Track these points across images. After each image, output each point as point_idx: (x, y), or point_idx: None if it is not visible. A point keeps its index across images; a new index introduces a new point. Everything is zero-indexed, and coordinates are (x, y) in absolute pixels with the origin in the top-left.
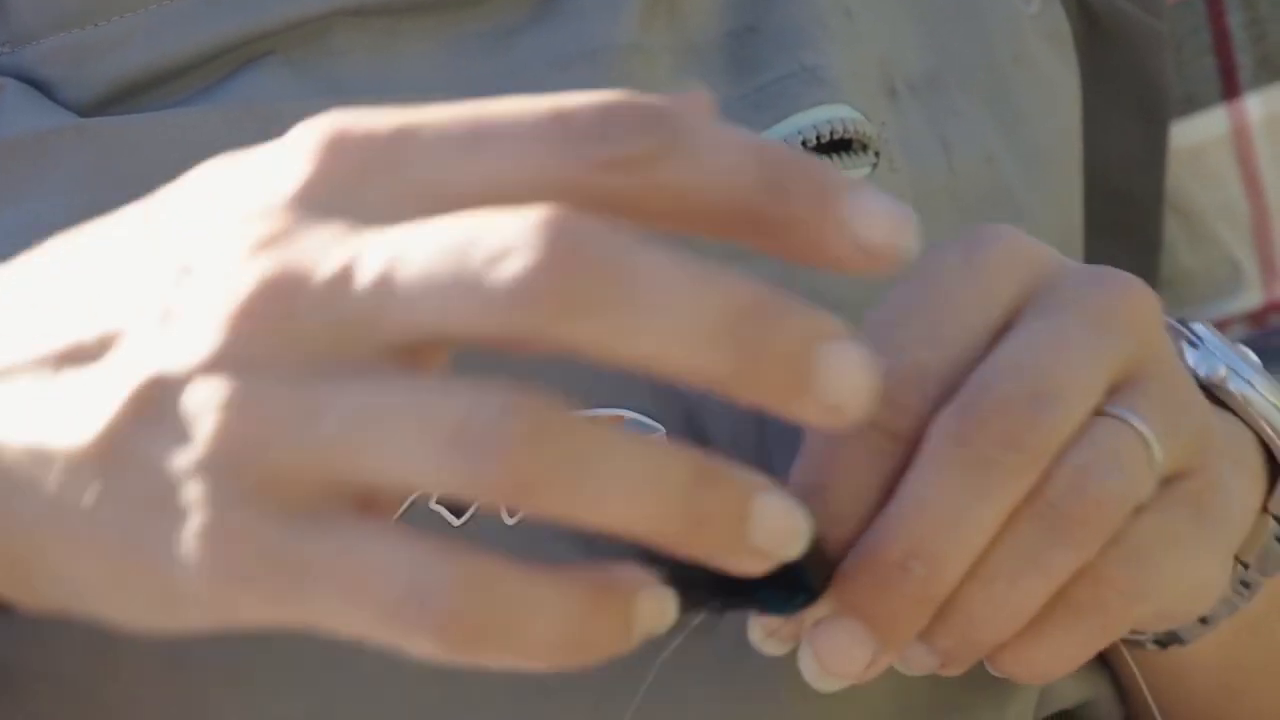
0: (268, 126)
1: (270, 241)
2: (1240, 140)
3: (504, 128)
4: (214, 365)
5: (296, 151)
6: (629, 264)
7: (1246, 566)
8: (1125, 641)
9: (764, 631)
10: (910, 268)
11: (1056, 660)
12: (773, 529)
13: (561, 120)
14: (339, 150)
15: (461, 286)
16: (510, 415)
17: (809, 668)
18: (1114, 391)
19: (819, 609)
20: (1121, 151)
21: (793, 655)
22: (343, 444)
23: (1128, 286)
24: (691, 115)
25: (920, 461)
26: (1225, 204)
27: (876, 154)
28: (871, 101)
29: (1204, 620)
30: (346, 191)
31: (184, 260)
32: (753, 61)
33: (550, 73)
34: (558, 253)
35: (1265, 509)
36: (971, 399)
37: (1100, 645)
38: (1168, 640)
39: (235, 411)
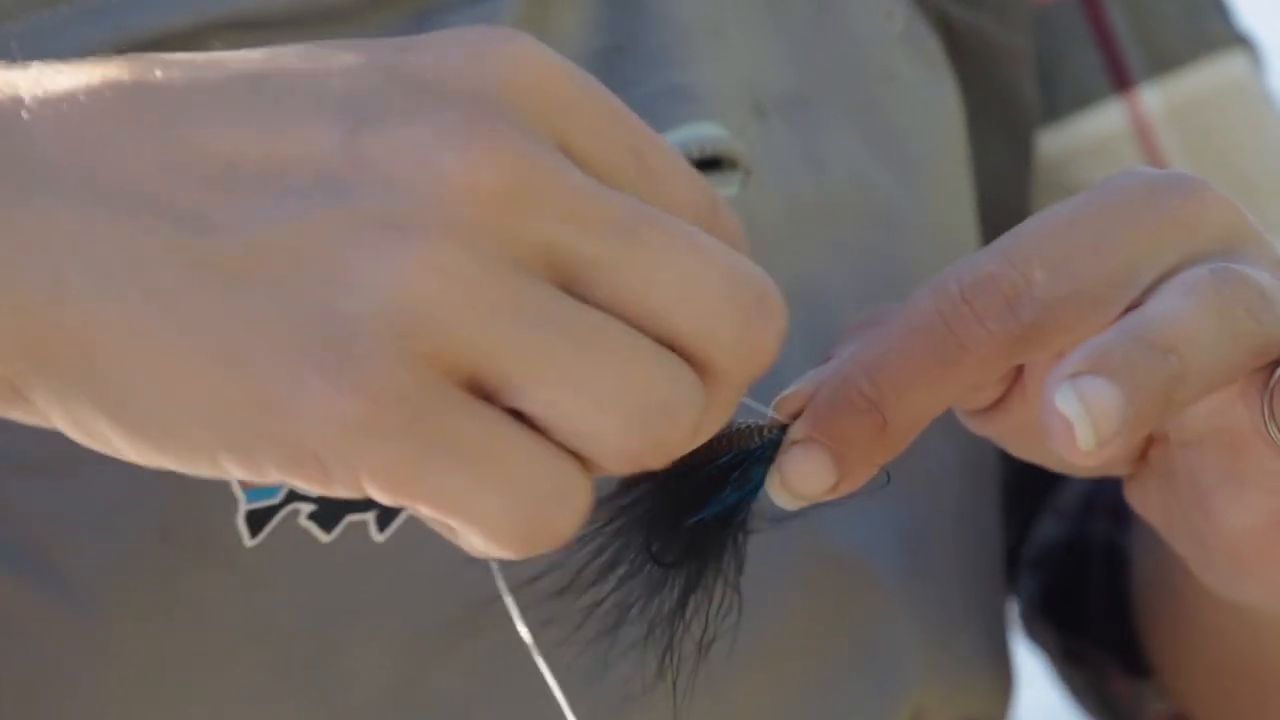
0: None
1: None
2: (1142, 132)
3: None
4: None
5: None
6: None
7: None
8: None
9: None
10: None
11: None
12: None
13: None
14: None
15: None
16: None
17: (775, 489)
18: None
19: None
20: (988, 165)
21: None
22: (527, 356)
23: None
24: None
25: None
26: None
27: (746, 172)
28: (739, 119)
29: None
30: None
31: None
32: (621, 81)
33: None
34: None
35: None
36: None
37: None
38: None
39: (442, 275)
